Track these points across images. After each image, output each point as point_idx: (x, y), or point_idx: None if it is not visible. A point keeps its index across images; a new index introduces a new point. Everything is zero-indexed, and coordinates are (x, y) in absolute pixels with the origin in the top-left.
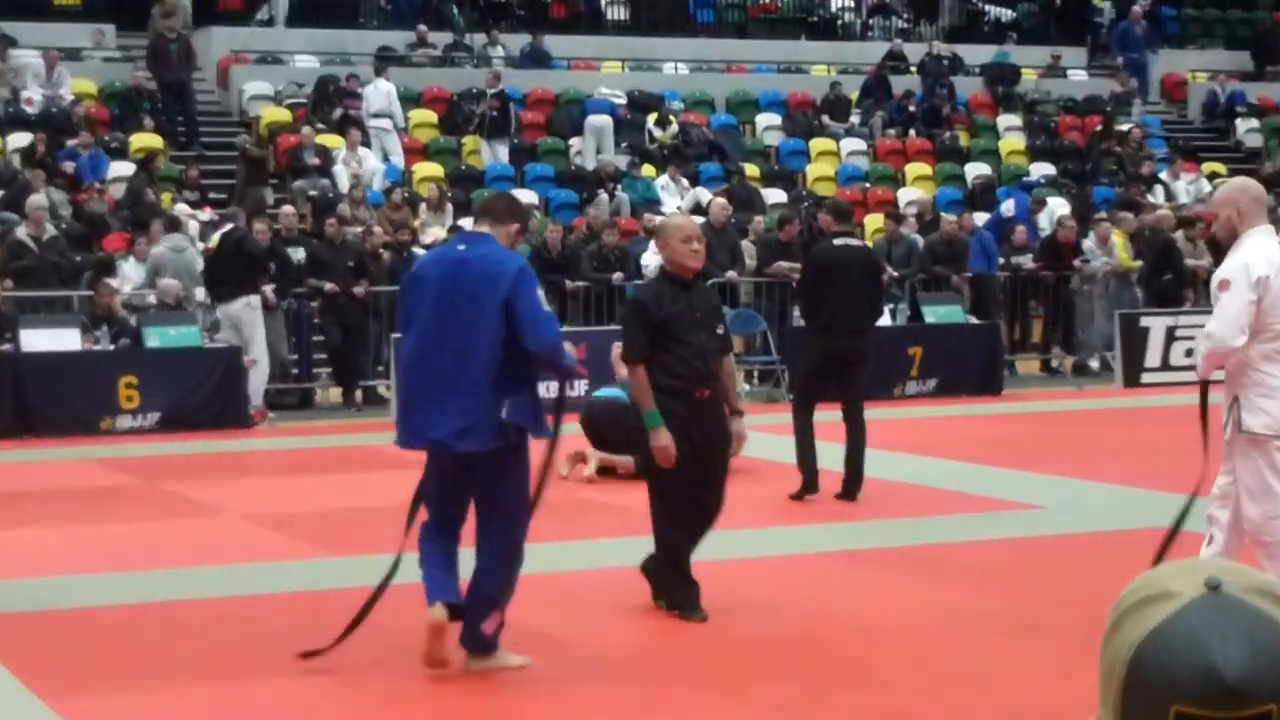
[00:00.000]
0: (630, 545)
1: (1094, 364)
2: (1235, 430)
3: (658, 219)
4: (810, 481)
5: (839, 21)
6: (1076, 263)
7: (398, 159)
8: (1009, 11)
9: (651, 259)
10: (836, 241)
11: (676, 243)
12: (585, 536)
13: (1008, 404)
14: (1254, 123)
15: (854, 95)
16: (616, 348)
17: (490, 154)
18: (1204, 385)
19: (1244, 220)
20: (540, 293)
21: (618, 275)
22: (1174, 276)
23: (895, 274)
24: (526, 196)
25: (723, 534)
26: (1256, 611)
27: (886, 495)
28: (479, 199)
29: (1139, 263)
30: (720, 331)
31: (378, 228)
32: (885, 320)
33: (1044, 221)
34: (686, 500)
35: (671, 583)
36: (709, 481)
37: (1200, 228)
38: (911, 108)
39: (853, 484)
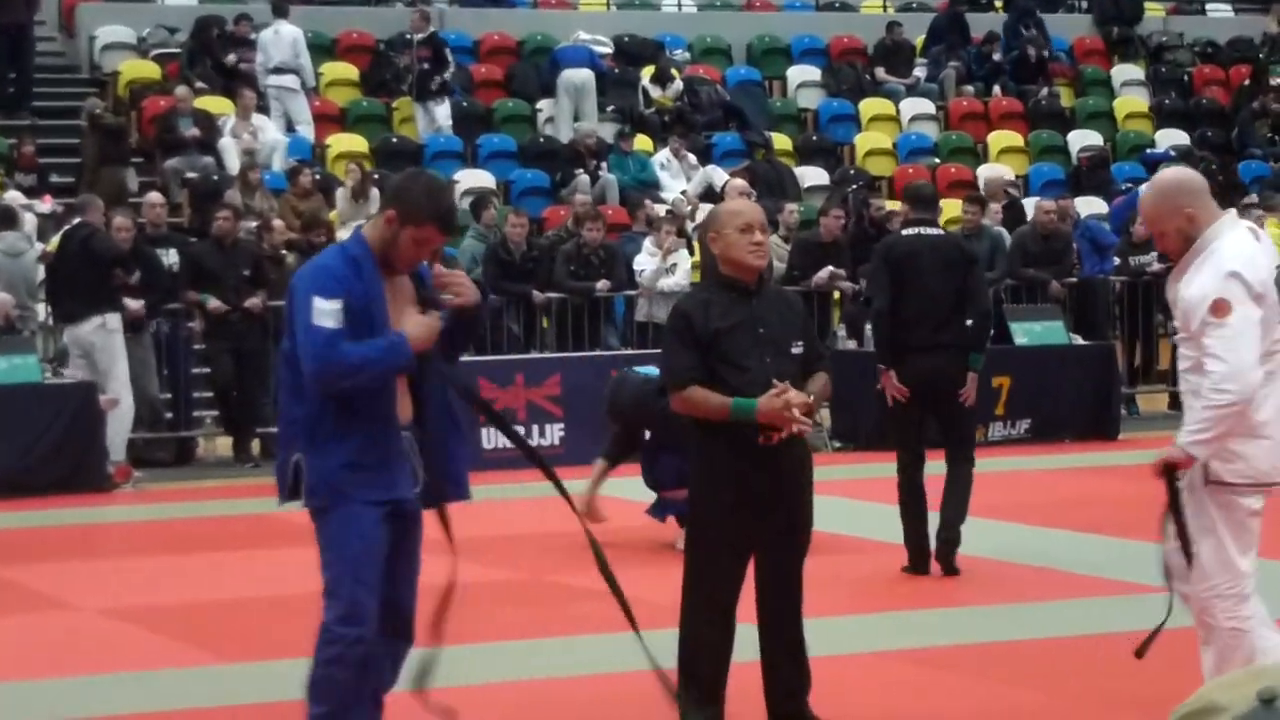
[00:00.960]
0: (628, 644)
1: None
2: (1203, 482)
3: (660, 208)
4: (917, 560)
5: None
6: None
7: (306, 129)
8: None
9: (648, 261)
10: (906, 231)
11: (732, 233)
12: (566, 632)
13: (1126, 452)
14: None
15: (919, 40)
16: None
17: (425, 122)
18: (1169, 470)
19: (1198, 222)
20: (315, 299)
21: (602, 283)
22: None
23: None
24: (480, 178)
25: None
26: None
27: (970, 574)
28: None
29: None
30: (797, 351)
31: (278, 221)
32: None
33: None
34: (733, 581)
35: (685, 695)
36: (781, 556)
37: None
38: (996, 56)
39: (948, 553)
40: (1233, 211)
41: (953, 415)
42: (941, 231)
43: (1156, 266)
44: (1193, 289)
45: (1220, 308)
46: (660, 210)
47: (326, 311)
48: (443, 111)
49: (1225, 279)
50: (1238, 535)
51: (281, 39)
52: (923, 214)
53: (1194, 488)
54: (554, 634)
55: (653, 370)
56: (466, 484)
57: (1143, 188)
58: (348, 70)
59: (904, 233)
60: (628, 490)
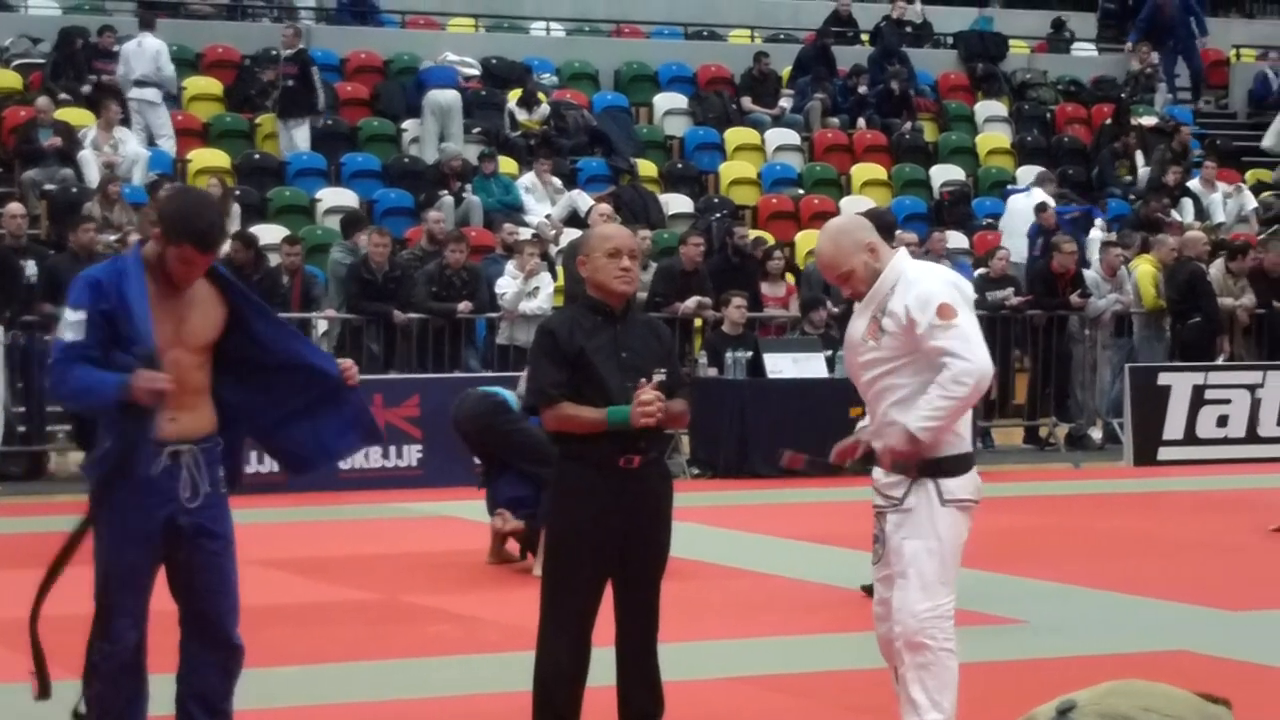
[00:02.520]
0: (480, 666)
1: (1096, 434)
2: (940, 502)
3: (511, 229)
4: None
5: None
6: (1075, 299)
7: (168, 143)
8: None
9: (510, 284)
10: None
11: (601, 258)
12: (419, 654)
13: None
14: None
15: (785, 71)
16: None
17: (287, 139)
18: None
19: (880, 253)
20: (66, 310)
21: (464, 305)
22: (1203, 319)
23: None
24: (343, 197)
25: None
26: None
27: (825, 602)
28: (279, 198)
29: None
30: (658, 378)
31: (136, 236)
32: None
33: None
34: (590, 606)
35: (539, 717)
36: (638, 582)
37: (1250, 257)
38: (862, 89)
39: None
40: (903, 248)
41: None
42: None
43: (1014, 300)
44: (909, 299)
45: (946, 310)
46: (524, 233)
47: (69, 323)
48: (302, 133)
49: (945, 285)
50: (958, 555)
51: (145, 51)
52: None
53: (926, 506)
54: (407, 655)
55: (499, 390)
56: (332, 450)
57: (818, 238)
58: (212, 85)
59: None
60: (484, 513)
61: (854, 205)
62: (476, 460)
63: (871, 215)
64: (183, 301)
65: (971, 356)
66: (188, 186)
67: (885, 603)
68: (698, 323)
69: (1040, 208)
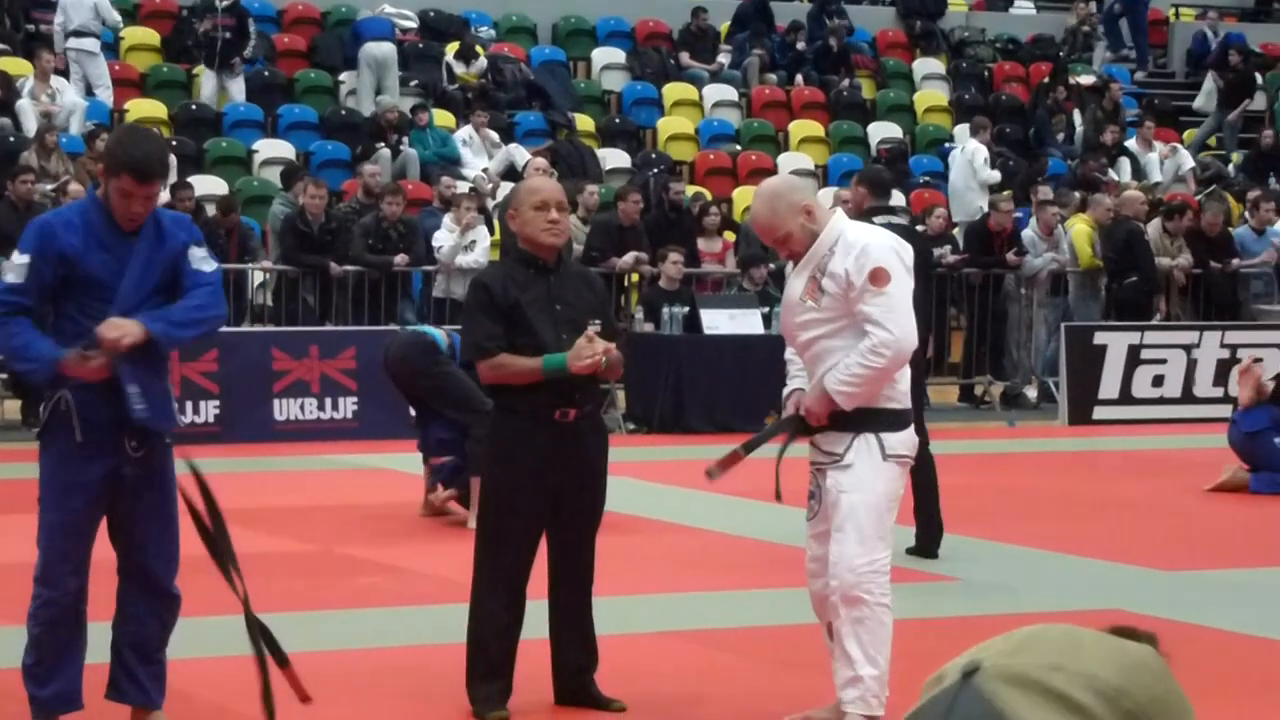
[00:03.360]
0: (414, 618)
1: (1031, 393)
2: (881, 456)
3: (450, 182)
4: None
5: None
6: (1011, 257)
7: (105, 93)
8: None
9: (447, 238)
10: (878, 220)
11: (529, 211)
12: (352, 604)
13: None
14: (1255, 77)
15: (723, 27)
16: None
17: (213, 90)
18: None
19: (817, 215)
20: (15, 255)
21: (401, 258)
22: (1140, 279)
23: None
24: (279, 149)
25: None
26: (991, 710)
27: (758, 557)
28: (215, 149)
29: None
30: (593, 329)
31: (75, 185)
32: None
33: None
34: (524, 559)
35: (473, 669)
36: (573, 536)
37: (1187, 217)
38: (800, 45)
39: (931, 536)
40: (840, 209)
41: (916, 400)
42: (908, 225)
43: (951, 259)
44: (849, 261)
45: (880, 276)
46: (462, 187)
47: (13, 265)
48: (237, 85)
49: (885, 249)
50: (895, 510)
51: (82, 1)
52: (884, 201)
53: (867, 460)
54: (341, 606)
55: (429, 328)
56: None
57: (753, 202)
58: (149, 35)
59: (875, 221)
60: (419, 465)
61: (791, 162)
62: (411, 411)
63: (868, 173)
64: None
65: (894, 328)
66: (132, 125)
67: (819, 559)
68: (634, 278)
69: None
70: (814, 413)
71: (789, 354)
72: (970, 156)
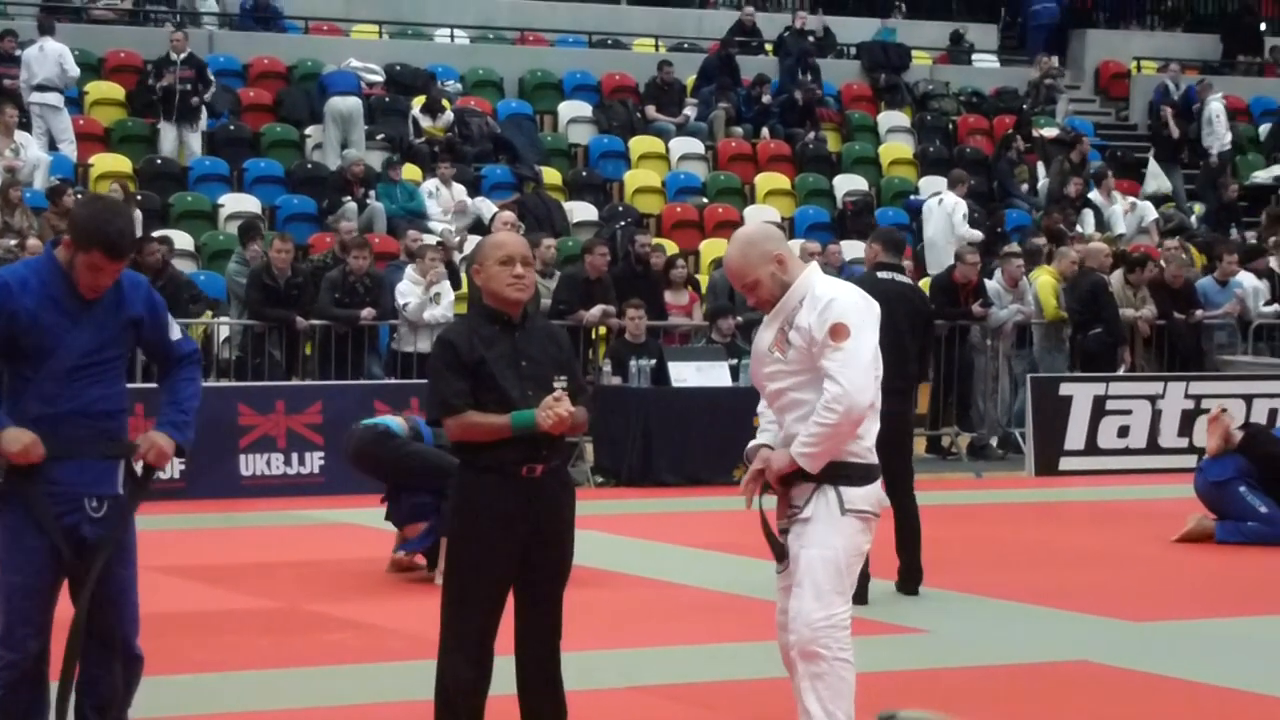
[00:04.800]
0: (382, 675)
1: (995, 444)
2: (840, 511)
3: (416, 235)
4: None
5: None
6: (977, 309)
7: (69, 148)
8: None
9: (411, 290)
10: (882, 275)
11: (494, 265)
12: (320, 662)
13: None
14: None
15: (689, 80)
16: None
17: (175, 143)
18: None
19: (788, 265)
20: None
21: (367, 312)
22: (1105, 330)
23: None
24: (245, 203)
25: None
26: None
27: (729, 611)
28: (181, 203)
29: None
30: (559, 386)
31: (35, 240)
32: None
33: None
34: (491, 616)
35: None
36: (541, 591)
37: (1150, 269)
38: (765, 98)
39: (911, 578)
40: (814, 262)
41: (903, 449)
42: (909, 281)
43: None
44: (814, 316)
45: (839, 331)
46: (429, 239)
47: None
48: (196, 139)
49: (850, 304)
50: (856, 565)
51: (47, 56)
52: (893, 259)
53: (825, 515)
54: (308, 663)
55: (383, 419)
56: None
57: (727, 247)
58: (113, 90)
59: (879, 275)
60: (386, 521)
61: (758, 214)
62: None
63: (883, 232)
64: (95, 308)
65: (847, 384)
66: (99, 194)
67: (788, 612)
68: (602, 330)
69: None
70: (776, 474)
71: (761, 407)
72: (950, 210)
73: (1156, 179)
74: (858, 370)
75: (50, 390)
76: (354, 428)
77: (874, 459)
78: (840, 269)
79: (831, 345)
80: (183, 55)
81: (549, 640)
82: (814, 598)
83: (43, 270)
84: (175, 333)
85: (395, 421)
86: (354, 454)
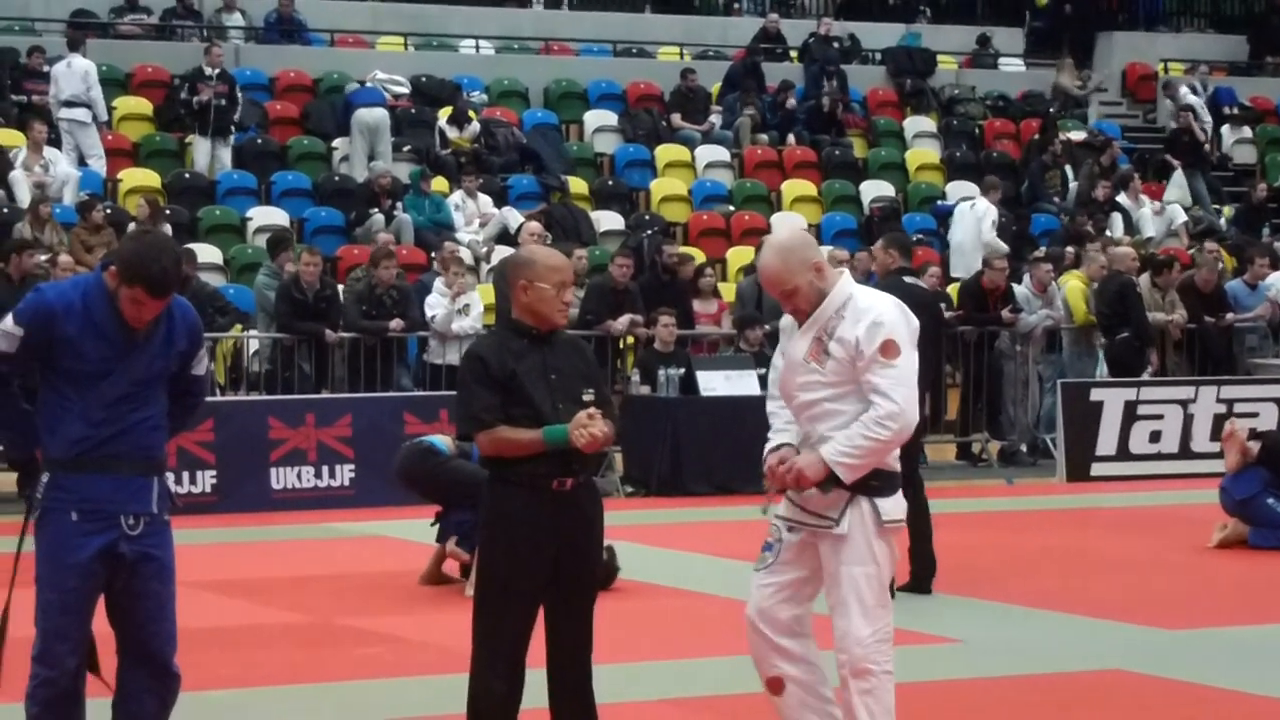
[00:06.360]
0: (415, 688)
1: (1026, 450)
2: (875, 524)
3: (452, 246)
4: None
5: None
6: (1006, 314)
7: (98, 163)
8: None
9: (439, 302)
10: (907, 280)
11: (549, 289)
12: (353, 676)
13: None
14: (1245, 131)
15: (714, 88)
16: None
17: (209, 157)
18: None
19: (826, 274)
20: (10, 321)
21: (396, 323)
22: (1132, 333)
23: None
24: (273, 216)
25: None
26: None
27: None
28: (209, 217)
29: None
30: (588, 398)
31: (66, 256)
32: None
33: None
34: (523, 631)
35: None
36: (572, 605)
37: (1176, 270)
38: (791, 104)
39: (924, 574)
40: (846, 270)
41: (910, 458)
42: (927, 287)
43: (947, 316)
44: (860, 329)
45: (890, 348)
46: (463, 252)
47: (4, 331)
48: (228, 153)
49: (896, 320)
50: (892, 572)
51: (74, 72)
52: (908, 264)
53: (862, 531)
54: (339, 678)
55: (430, 437)
56: None
57: (763, 252)
58: (141, 105)
59: (905, 281)
60: (417, 533)
61: (784, 221)
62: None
63: (897, 237)
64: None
65: (901, 401)
66: (149, 229)
67: (769, 585)
68: (629, 340)
69: None
70: (807, 480)
71: (773, 405)
72: (981, 216)
73: (1180, 188)
74: (909, 388)
75: (97, 416)
76: (401, 448)
77: (899, 466)
78: (868, 276)
79: (882, 361)
80: (215, 70)
81: (580, 653)
82: (861, 615)
83: (90, 294)
84: (201, 368)
85: (440, 441)
86: (399, 472)
